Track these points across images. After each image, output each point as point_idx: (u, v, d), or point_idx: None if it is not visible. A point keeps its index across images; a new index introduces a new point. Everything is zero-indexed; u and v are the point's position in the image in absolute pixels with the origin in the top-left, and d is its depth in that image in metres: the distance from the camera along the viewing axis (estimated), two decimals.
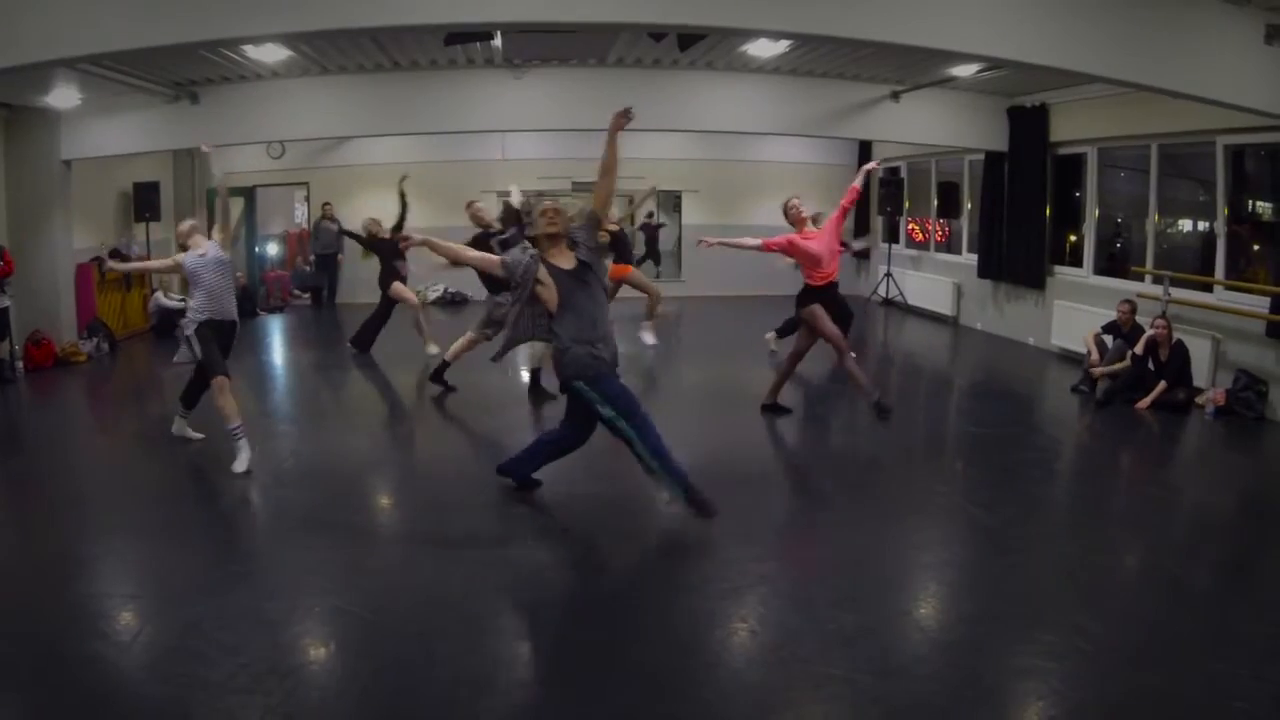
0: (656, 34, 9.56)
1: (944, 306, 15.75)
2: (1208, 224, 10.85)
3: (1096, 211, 12.51)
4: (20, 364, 12.02)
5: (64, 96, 11.84)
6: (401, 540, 6.44)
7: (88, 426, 10.31)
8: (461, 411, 10.08)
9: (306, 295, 18.94)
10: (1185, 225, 11.95)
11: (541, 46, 10.66)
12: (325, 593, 5.36)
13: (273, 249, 20.46)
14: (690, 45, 10.49)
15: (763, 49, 10.98)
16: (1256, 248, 10.52)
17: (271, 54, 10.68)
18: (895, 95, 12.90)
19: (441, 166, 18.14)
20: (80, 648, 4.77)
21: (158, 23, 6.55)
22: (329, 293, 18.55)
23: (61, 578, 5.62)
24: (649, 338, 13.16)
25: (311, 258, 18.95)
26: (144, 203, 15.09)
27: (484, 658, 4.63)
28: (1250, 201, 10.66)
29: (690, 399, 10.81)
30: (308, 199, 19.51)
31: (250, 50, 10.28)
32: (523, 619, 5.18)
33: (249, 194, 18.73)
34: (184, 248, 7.85)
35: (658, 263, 22.86)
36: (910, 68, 11.84)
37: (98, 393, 11.65)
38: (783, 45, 10.66)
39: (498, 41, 9.90)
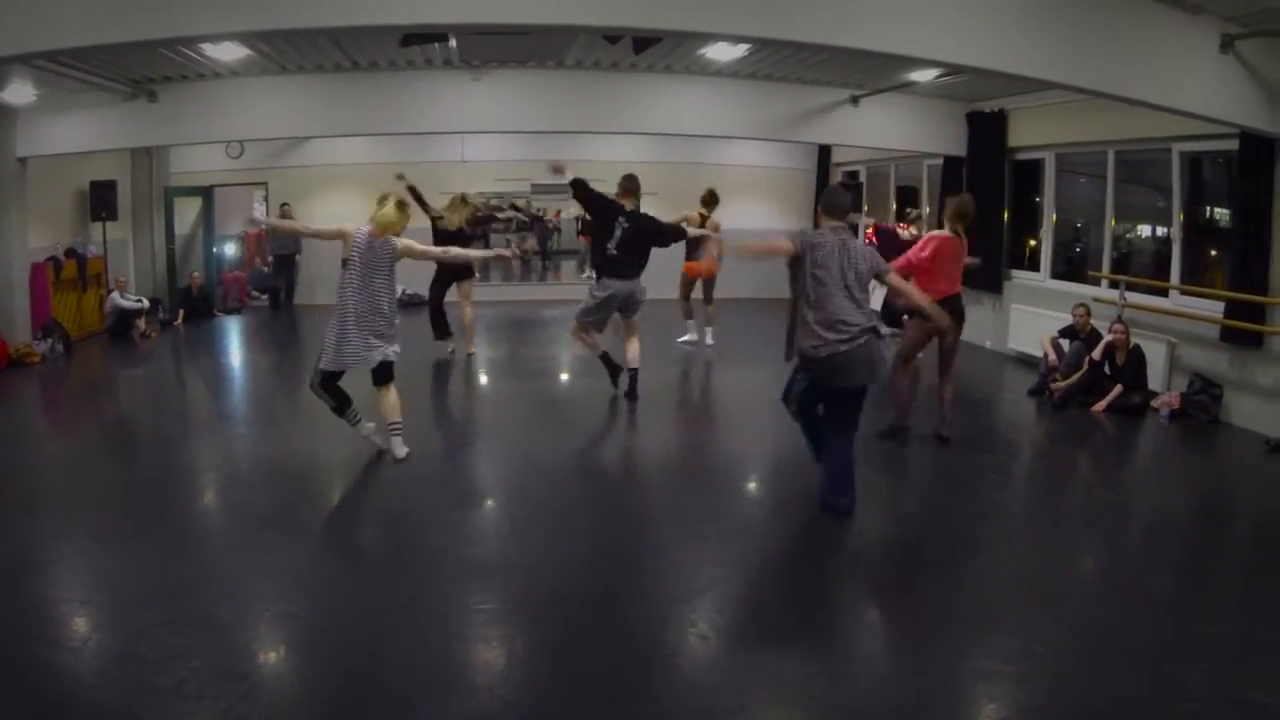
0: (611, 37, 9.55)
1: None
2: (1164, 229, 10.94)
3: (1054, 216, 12.61)
4: None
5: (19, 93, 11.73)
6: (355, 544, 6.42)
7: (40, 428, 10.19)
8: (421, 414, 10.06)
9: (264, 296, 18.79)
10: (1143, 230, 12.05)
11: (496, 48, 10.63)
12: (277, 597, 5.33)
13: (231, 249, 20.30)
14: (645, 48, 10.49)
15: (722, 53, 11.00)
16: (1213, 253, 10.62)
17: (230, 52, 10.59)
18: (855, 100, 12.95)
19: (401, 168, 18.01)
20: (31, 653, 4.72)
21: (114, 20, 6.46)
22: (287, 294, 18.41)
23: (12, 582, 5.55)
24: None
25: (270, 258, 18.83)
26: (101, 201, 14.93)
27: (435, 662, 4.61)
28: (1206, 208, 10.77)
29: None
30: (266, 199, 19.35)
31: (208, 49, 10.19)
32: (475, 623, 5.14)
33: (207, 193, 18.58)
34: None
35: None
36: (869, 72, 11.89)
37: (51, 394, 11.52)
38: (742, 49, 10.67)
39: (454, 43, 9.86)
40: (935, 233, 8.45)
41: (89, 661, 4.69)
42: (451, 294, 12.44)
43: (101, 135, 12.72)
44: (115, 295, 15.03)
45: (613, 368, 10.08)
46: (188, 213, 18.62)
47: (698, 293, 13.51)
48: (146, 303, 15.47)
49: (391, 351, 7.55)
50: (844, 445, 6.49)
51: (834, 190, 6.66)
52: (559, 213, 25.92)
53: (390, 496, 7.36)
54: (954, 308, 8.24)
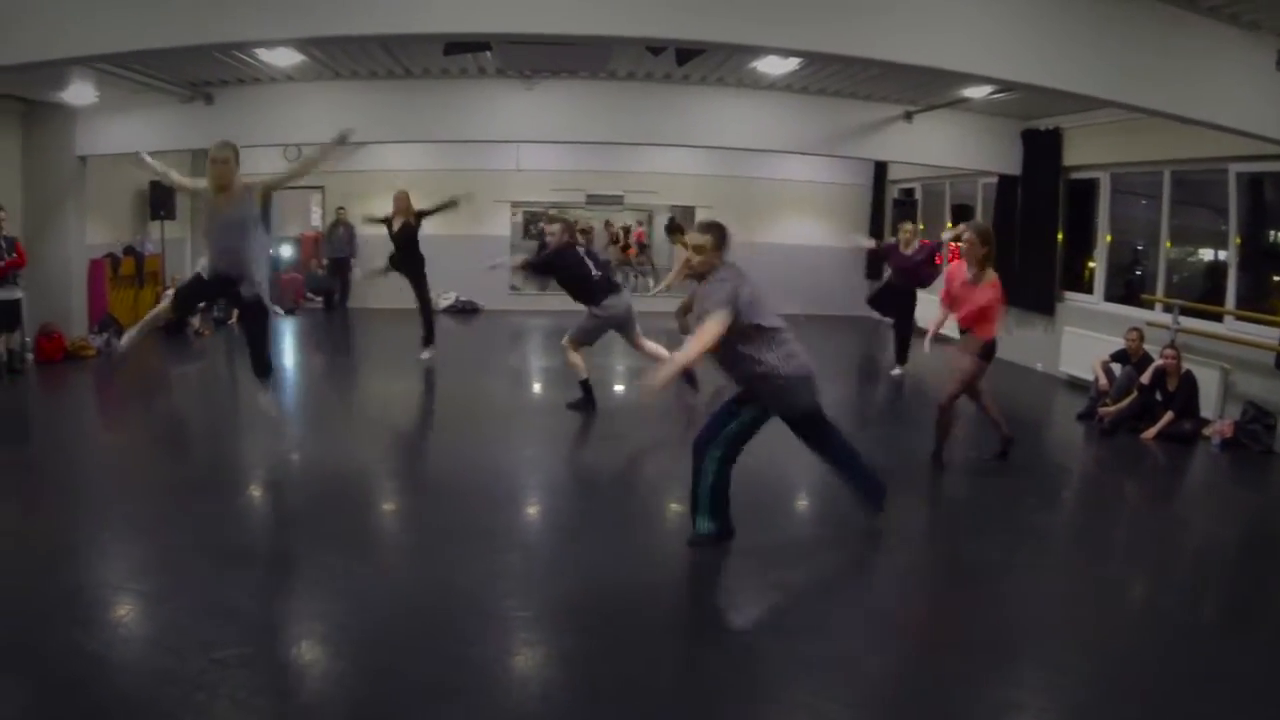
0: (655, 48, 9.53)
1: (954, 330, 15.34)
2: (1220, 252, 10.75)
3: (1108, 237, 12.43)
4: (30, 356, 12.12)
5: (80, 93, 11.94)
6: (386, 545, 6.45)
7: (92, 420, 10.36)
8: (468, 419, 10.11)
9: (319, 298, 18.98)
10: (1200, 253, 11.86)
11: (536, 58, 10.65)
12: (305, 595, 5.38)
13: (286, 251, 20.50)
14: (688, 60, 10.45)
15: (773, 66, 10.94)
16: (1276, 278, 10.42)
17: (284, 58, 10.74)
18: (908, 115, 12.84)
19: (456, 175, 18.09)
20: (61, 635, 4.81)
21: (170, 24, 6.60)
22: (341, 296, 18.55)
23: (50, 566, 5.66)
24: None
25: (325, 261, 18.99)
26: (159, 201, 15.20)
27: (457, 665, 4.61)
28: (1266, 231, 10.57)
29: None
30: (323, 203, 19.55)
31: (263, 54, 10.36)
32: (502, 629, 5.11)
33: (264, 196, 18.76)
34: None
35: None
36: (922, 88, 11.77)
37: (105, 387, 11.72)
38: (793, 63, 10.61)
39: (492, 53, 9.91)
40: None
41: (115, 646, 4.78)
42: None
43: (159, 136, 12.91)
44: (171, 293, 15.18)
45: (590, 398, 10.01)
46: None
47: None
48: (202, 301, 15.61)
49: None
50: (840, 454, 6.42)
51: (714, 223, 5.97)
52: (608, 224, 26.08)
53: (426, 500, 7.42)
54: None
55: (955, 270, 8.32)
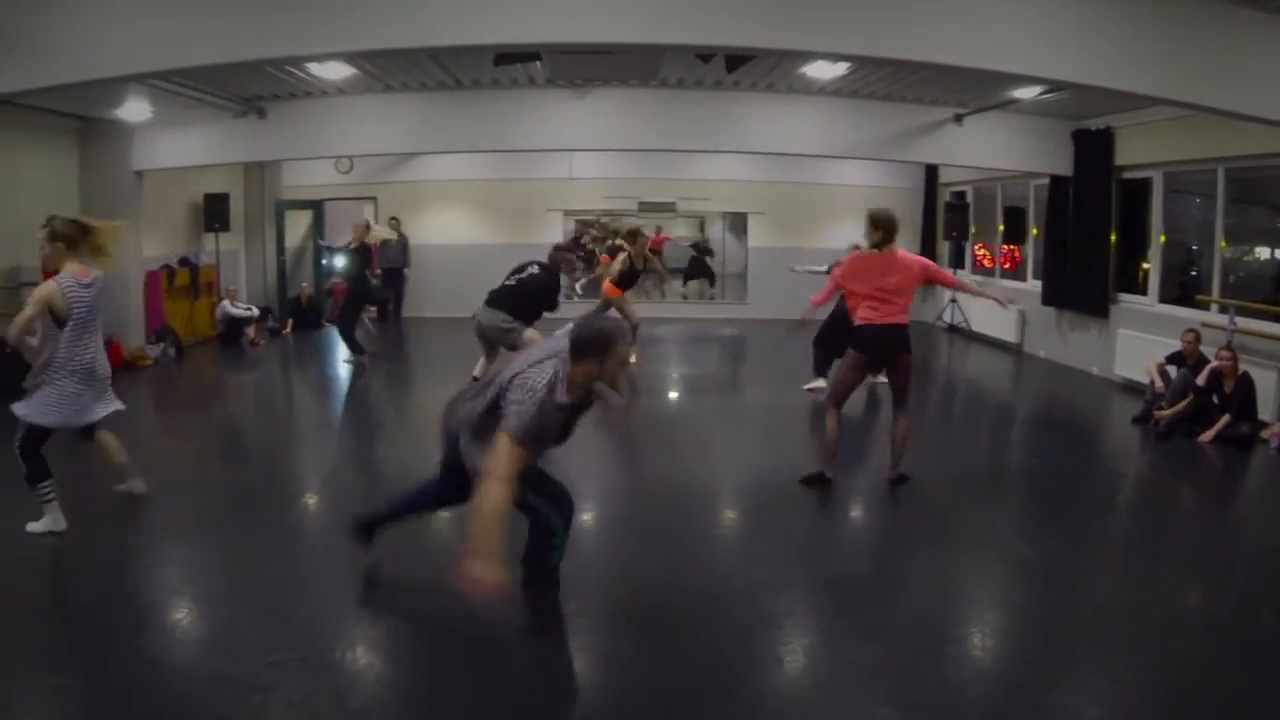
0: (704, 55, 9.52)
1: (1008, 334, 15.43)
2: (1278, 251, 10.59)
3: (1163, 237, 12.29)
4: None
5: (135, 110, 12.16)
6: (444, 549, 6.43)
7: (149, 428, 10.48)
8: None
9: (373, 309, 19.12)
10: (1257, 252, 11.71)
11: (585, 67, 10.68)
12: (361, 599, 5.42)
13: (340, 262, 20.68)
14: (737, 67, 10.43)
15: (821, 70, 10.89)
16: None
17: (335, 71, 10.84)
18: (958, 118, 12.73)
19: (509, 184, 18.29)
20: (120, 639, 4.90)
21: (226, 41, 6.70)
22: (395, 306, 18.69)
23: (111, 571, 5.79)
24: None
25: (379, 271, 19.15)
26: (214, 213, 15.46)
27: (514, 668, 4.65)
28: None
29: (744, 418, 10.75)
30: (375, 213, 19.72)
31: (314, 67, 10.45)
32: (549, 635, 5.15)
33: (317, 207, 18.99)
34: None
35: (705, 282, 22.92)
36: (972, 89, 11.67)
37: (161, 396, 11.87)
38: (842, 67, 10.56)
39: (543, 63, 9.95)
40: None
41: (172, 649, 4.89)
42: None
43: (213, 150, 13.17)
44: (226, 303, 15.47)
45: None
46: (298, 225, 19.09)
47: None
48: (256, 311, 15.92)
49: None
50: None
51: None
52: (659, 229, 26.07)
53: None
54: (888, 339, 7.68)
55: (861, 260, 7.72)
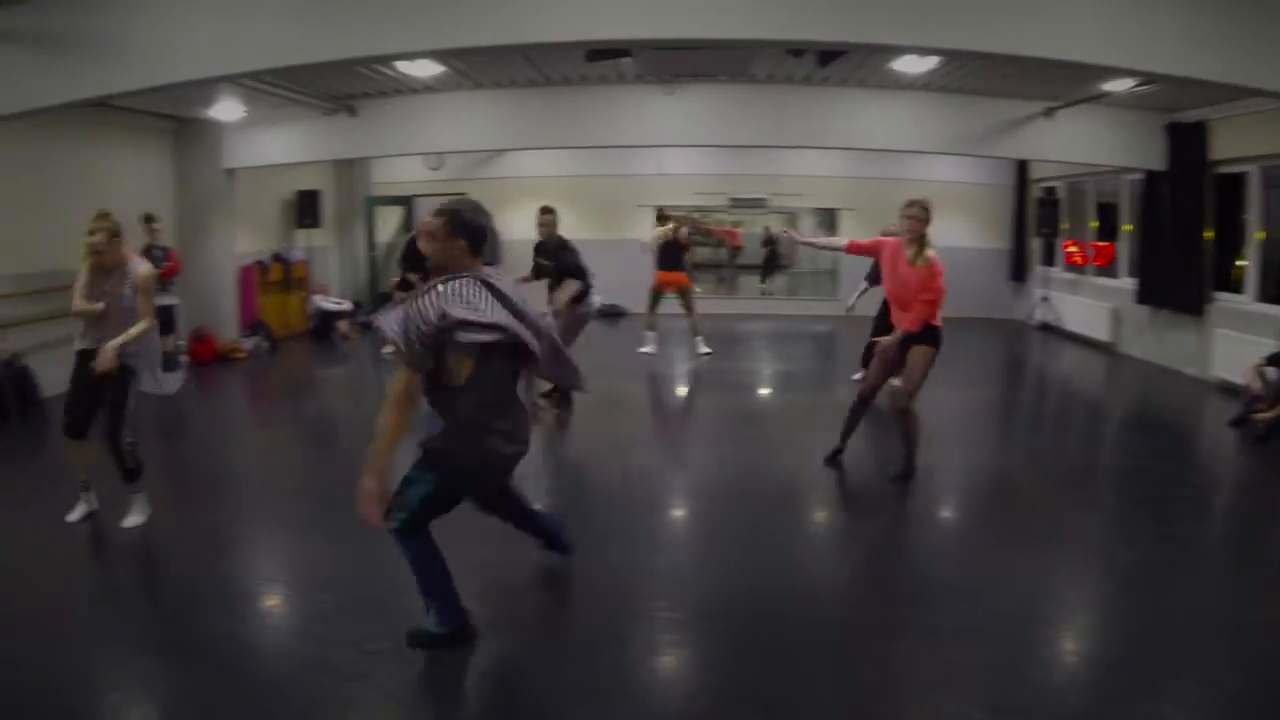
0: (795, 50, 9.48)
1: (1100, 332, 15.09)
2: None
3: (1260, 234, 11.99)
4: (184, 358, 12.64)
5: (228, 109, 12.44)
6: (532, 544, 6.50)
7: (242, 419, 10.72)
8: (613, 420, 10.22)
9: None
10: None
11: (678, 63, 10.67)
12: (458, 592, 5.48)
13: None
14: (829, 62, 10.38)
15: (911, 65, 10.78)
16: None
17: (425, 69, 10.95)
18: (1049, 112, 12.52)
19: (599, 180, 18.34)
20: (216, 625, 5.04)
21: (314, 40, 6.80)
22: None
23: (205, 559, 5.93)
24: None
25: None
26: (305, 210, 15.73)
27: (600, 667, 4.65)
28: None
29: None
30: None
31: (404, 66, 10.57)
32: (646, 630, 5.15)
33: (407, 203, 19.20)
34: None
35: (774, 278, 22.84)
36: (1063, 83, 11.45)
37: (254, 388, 12.13)
38: (931, 61, 10.45)
39: (636, 58, 9.94)
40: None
41: (266, 635, 5.04)
42: None
43: (304, 148, 13.44)
44: (318, 298, 15.76)
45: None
46: (389, 221, 19.32)
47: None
48: (348, 306, 16.17)
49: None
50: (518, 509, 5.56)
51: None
52: (737, 226, 26.05)
53: (574, 501, 7.48)
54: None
55: (893, 246, 7.56)
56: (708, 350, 13.54)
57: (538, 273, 9.84)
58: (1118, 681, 4.53)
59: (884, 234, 8.07)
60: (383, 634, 4.85)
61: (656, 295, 13.58)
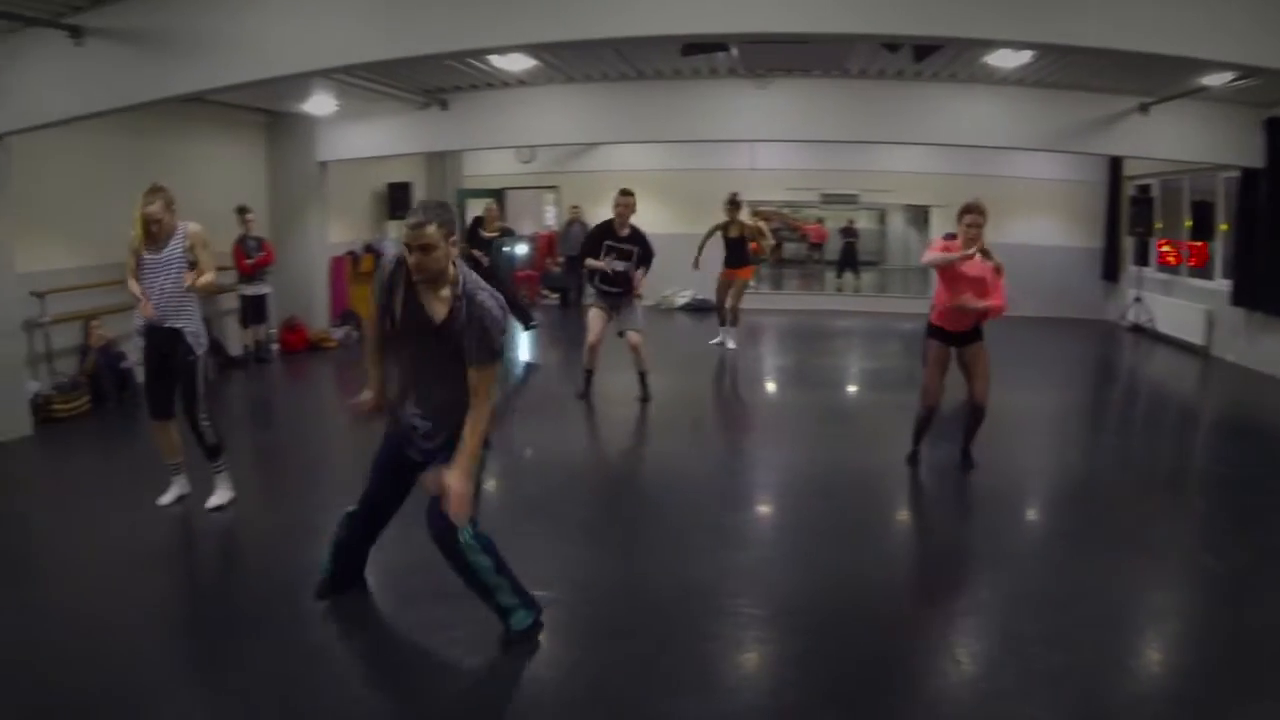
0: (891, 45, 9.41)
1: (1194, 335, 14.68)
2: None
3: None
4: (275, 347, 12.93)
5: (321, 104, 12.71)
6: (619, 537, 6.53)
7: (331, 407, 10.88)
8: (693, 411, 10.27)
9: (555, 295, 19.51)
10: None
11: (776, 57, 10.63)
12: (539, 581, 5.53)
13: (522, 249, 21.12)
14: (925, 56, 10.29)
15: (1004, 59, 10.62)
16: None
17: (517, 63, 11.01)
18: (1144, 107, 12.28)
19: (691, 174, 18.35)
20: (306, 606, 5.19)
21: (408, 35, 6.85)
22: (577, 293, 18.95)
23: (294, 543, 6.10)
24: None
25: (560, 259, 19.46)
26: (397, 201, 15.99)
27: (686, 661, 4.69)
28: None
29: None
30: (557, 202, 20.05)
31: (496, 60, 10.66)
32: (731, 625, 5.18)
33: (498, 195, 19.40)
34: None
35: (856, 274, 22.69)
36: (1159, 77, 11.20)
37: (344, 376, 12.30)
38: (1025, 55, 10.31)
39: (734, 51, 9.92)
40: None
41: (359, 617, 5.14)
42: None
43: (396, 141, 13.62)
44: None
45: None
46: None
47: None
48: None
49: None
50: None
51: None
52: (821, 223, 25.96)
53: (661, 494, 7.57)
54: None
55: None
56: (727, 344, 13.87)
57: (620, 256, 9.99)
58: (1208, 692, 4.46)
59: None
60: (469, 620, 4.92)
61: (723, 289, 13.88)
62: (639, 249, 9.88)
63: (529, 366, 13.44)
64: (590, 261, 10.09)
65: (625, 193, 10.16)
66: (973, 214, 7.37)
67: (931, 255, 7.48)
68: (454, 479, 4.36)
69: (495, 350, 4.40)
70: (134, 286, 6.57)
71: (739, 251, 13.59)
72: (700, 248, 13.66)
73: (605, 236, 10.07)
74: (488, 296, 4.40)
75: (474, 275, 4.47)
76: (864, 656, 4.77)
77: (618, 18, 6.36)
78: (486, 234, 13.25)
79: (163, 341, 6.52)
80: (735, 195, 13.71)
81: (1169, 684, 4.67)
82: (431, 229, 4.23)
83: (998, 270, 7.31)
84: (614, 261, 9.95)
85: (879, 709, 4.30)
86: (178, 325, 6.49)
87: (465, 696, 4.36)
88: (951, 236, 7.69)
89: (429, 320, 4.43)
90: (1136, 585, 5.83)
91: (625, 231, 10.05)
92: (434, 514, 4.56)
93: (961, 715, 4.29)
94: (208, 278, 6.49)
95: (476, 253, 12.94)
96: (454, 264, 4.41)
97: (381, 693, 4.40)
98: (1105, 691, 4.47)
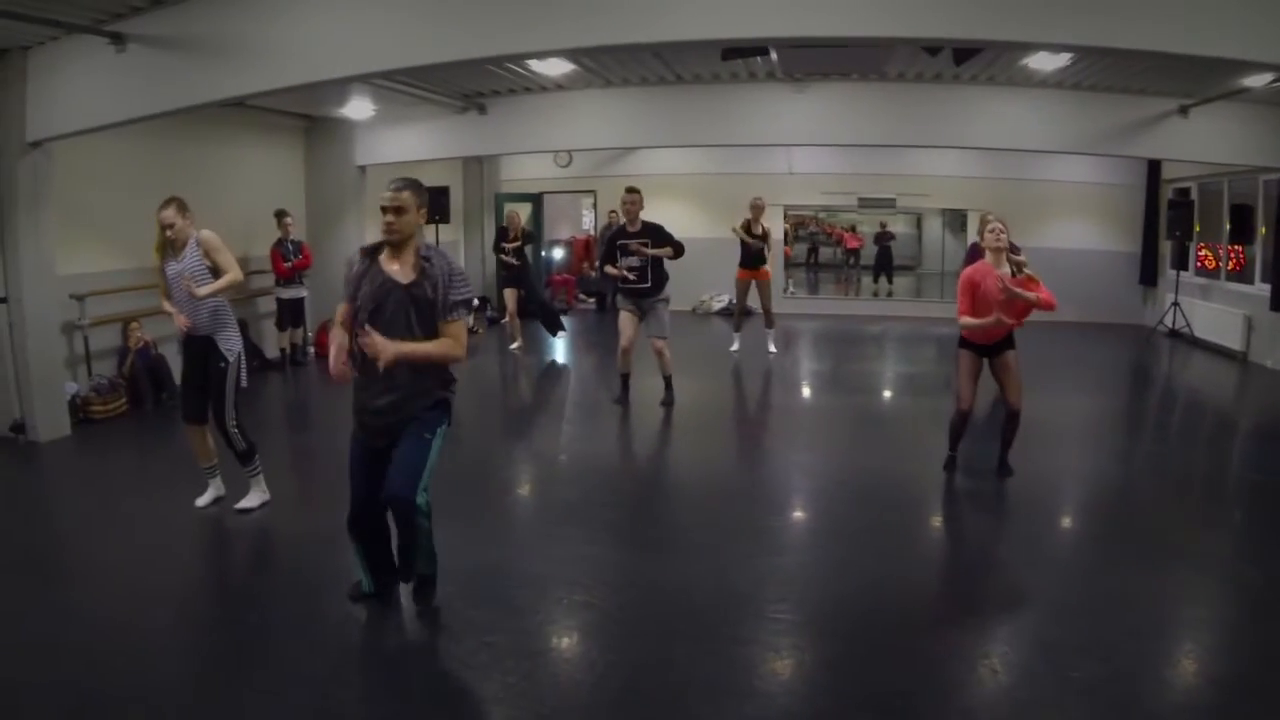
0: (931, 48, 9.36)
1: (1232, 341, 14.51)
2: None
3: None
4: (311, 350, 13.03)
5: (359, 108, 12.82)
6: (655, 540, 6.53)
7: None
8: (729, 416, 10.26)
9: (591, 300, 19.55)
10: None
11: (816, 61, 10.59)
12: (574, 585, 5.55)
13: (559, 254, 21.18)
14: (966, 59, 10.24)
15: (1043, 62, 10.55)
16: None
17: (555, 68, 11.06)
18: (1183, 109, 12.17)
19: (728, 178, 18.36)
20: (338, 607, 5.24)
21: (450, 40, 6.86)
22: (613, 298, 18.98)
23: (328, 546, 6.06)
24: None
25: (598, 264, 19.50)
26: (434, 205, 15.95)
27: (721, 665, 4.68)
28: None
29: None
30: (594, 206, 20.09)
31: (535, 64, 10.71)
32: (768, 630, 5.17)
33: (536, 200, 19.47)
34: None
35: (890, 278, 22.59)
36: (1198, 79, 11.09)
37: None
38: (1064, 58, 10.24)
39: (774, 55, 9.89)
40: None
41: (390, 623, 5.16)
42: None
43: (434, 145, 13.71)
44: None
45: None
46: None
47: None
48: (475, 300, 16.35)
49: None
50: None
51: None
52: (852, 230, 25.89)
53: (697, 500, 7.56)
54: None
55: (985, 271, 7.41)
56: (769, 347, 14.01)
57: (634, 253, 10.11)
58: (1241, 707, 4.37)
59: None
60: (504, 627, 4.98)
61: (742, 291, 13.94)
62: (652, 239, 9.90)
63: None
64: (608, 269, 10.14)
65: (630, 190, 10.24)
66: (994, 223, 7.41)
67: (966, 320, 7.47)
68: (388, 343, 4.62)
69: (462, 301, 4.87)
70: (167, 305, 6.73)
71: (756, 252, 13.64)
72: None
73: (618, 238, 10.13)
74: (446, 255, 4.99)
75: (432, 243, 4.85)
76: (900, 663, 4.74)
77: (660, 22, 6.35)
78: (510, 244, 13.91)
79: (198, 349, 6.65)
80: (758, 200, 13.82)
81: (1206, 695, 4.58)
82: (406, 194, 4.84)
83: (1031, 280, 7.27)
84: (628, 260, 9.99)
85: (916, 717, 4.27)
86: (211, 334, 6.62)
87: (499, 699, 4.36)
88: (977, 251, 7.70)
89: (397, 283, 4.80)
90: (1174, 594, 5.77)
91: (636, 228, 10.08)
92: (394, 477, 4.84)
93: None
94: (228, 278, 6.56)
95: (505, 257, 13.80)
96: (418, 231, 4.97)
97: (413, 695, 4.41)
98: (1143, 702, 4.42)
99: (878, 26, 6.29)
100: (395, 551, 5.24)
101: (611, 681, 4.52)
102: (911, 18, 6.26)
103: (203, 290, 6.45)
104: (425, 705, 4.34)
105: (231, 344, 6.71)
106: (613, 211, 18.46)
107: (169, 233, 6.47)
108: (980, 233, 7.53)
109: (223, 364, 6.65)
